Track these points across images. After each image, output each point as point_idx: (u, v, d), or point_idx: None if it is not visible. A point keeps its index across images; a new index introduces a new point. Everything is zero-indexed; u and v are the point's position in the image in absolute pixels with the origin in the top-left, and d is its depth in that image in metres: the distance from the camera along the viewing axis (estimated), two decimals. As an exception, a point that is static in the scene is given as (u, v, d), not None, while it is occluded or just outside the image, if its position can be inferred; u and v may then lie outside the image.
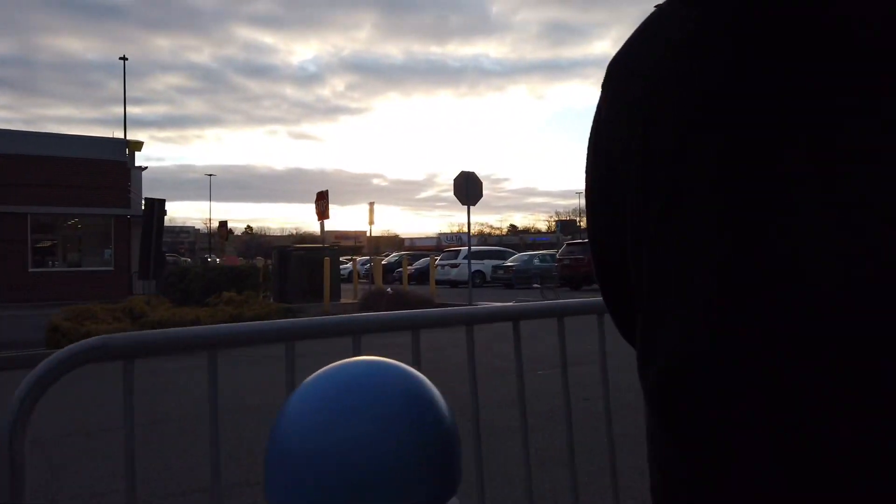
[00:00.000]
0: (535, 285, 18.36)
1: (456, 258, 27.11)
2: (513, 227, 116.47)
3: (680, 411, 0.56)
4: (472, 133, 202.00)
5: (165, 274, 13.99)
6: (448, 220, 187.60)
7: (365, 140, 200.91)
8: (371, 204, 17.50)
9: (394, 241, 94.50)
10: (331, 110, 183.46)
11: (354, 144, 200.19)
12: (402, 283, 17.71)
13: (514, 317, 2.09)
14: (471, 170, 15.26)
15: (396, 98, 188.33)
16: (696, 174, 0.55)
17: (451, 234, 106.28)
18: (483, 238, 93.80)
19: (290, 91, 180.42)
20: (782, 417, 0.50)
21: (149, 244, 9.87)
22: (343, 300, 15.90)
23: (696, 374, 0.54)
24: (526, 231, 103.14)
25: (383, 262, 36.07)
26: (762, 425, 0.51)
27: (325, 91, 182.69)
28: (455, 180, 15.16)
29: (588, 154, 0.71)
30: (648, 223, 0.59)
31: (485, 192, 14.85)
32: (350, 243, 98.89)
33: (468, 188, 15.06)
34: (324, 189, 17.10)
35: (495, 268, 25.43)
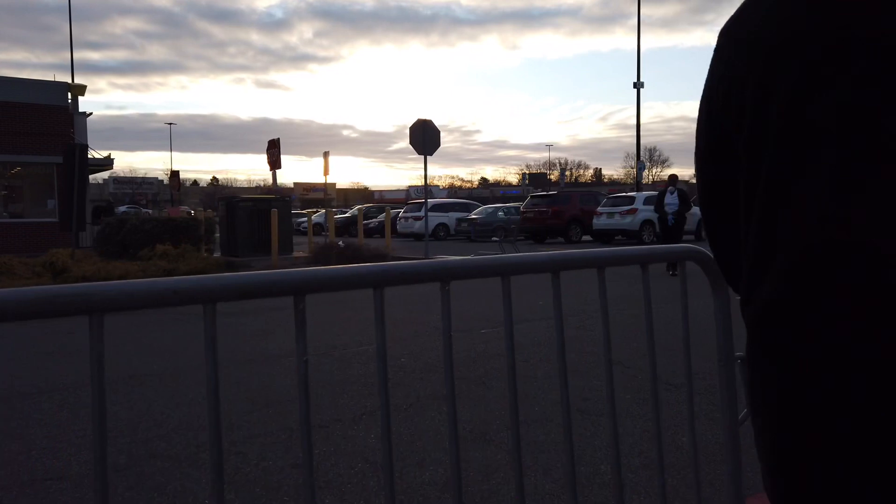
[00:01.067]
0: (494, 239, 17.88)
1: (419, 211, 26.47)
2: (484, 179, 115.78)
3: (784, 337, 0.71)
4: (443, 84, 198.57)
5: (100, 225, 13.16)
6: (419, 172, 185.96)
7: (334, 90, 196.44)
8: (326, 154, 16.73)
9: (363, 194, 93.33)
10: (299, 58, 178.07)
11: (323, 94, 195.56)
12: (357, 237, 17.09)
13: (442, 277, 1.56)
14: (429, 118, 14.56)
15: (366, 47, 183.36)
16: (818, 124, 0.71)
17: (422, 186, 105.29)
18: (453, 191, 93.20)
19: (256, 37, 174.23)
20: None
21: (70, 193, 9.09)
22: (297, 253, 15.28)
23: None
24: (497, 184, 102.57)
25: (347, 215, 35.47)
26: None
27: (292, 38, 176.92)
28: (411, 129, 14.45)
29: (702, 107, 0.87)
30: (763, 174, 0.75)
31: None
32: (319, 195, 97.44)
33: (425, 137, 14.38)
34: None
35: (459, 220, 24.91)
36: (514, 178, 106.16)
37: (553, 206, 21.91)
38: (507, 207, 25.88)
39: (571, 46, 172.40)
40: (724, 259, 0.92)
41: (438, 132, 14.64)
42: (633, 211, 20.01)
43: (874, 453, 0.62)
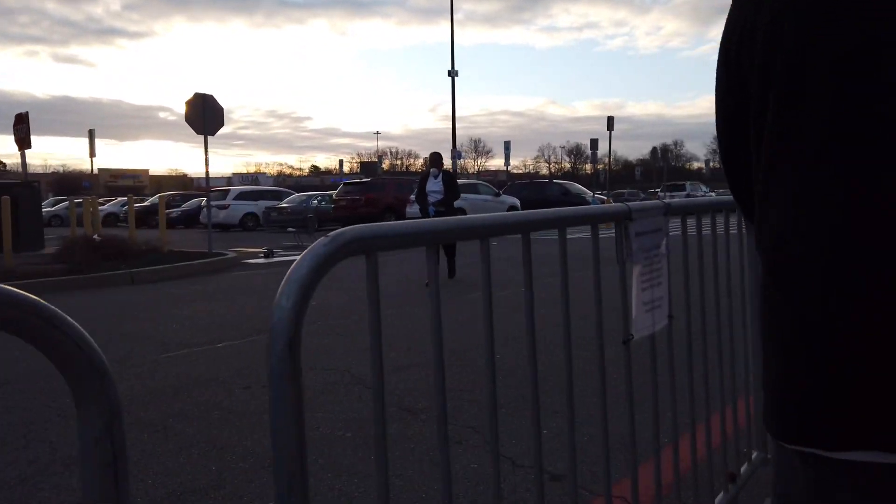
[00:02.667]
0: (290, 229, 16.45)
1: (225, 199, 24.28)
2: (315, 167, 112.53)
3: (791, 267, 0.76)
4: (270, 68, 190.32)
5: None
6: (246, 158, 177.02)
7: (148, 69, 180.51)
8: (91, 132, 14.31)
9: (181, 181, 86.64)
10: (105, 32, 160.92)
11: (136, 73, 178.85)
12: (158, 228, 14.85)
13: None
14: (211, 93, 12.83)
15: (183, 23, 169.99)
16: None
17: (247, 174, 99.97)
18: (282, 179, 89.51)
19: (52, 6, 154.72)
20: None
21: None
22: (48, 249, 12.84)
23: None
24: (328, 172, 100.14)
25: (146, 204, 32.07)
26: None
27: (96, 9, 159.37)
28: (188, 104, 12.63)
29: (720, 54, 0.88)
30: (769, 110, 0.78)
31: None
32: (129, 182, 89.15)
33: (205, 114, 12.66)
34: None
35: (268, 209, 23.04)
36: (346, 167, 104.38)
37: (367, 194, 20.97)
38: (321, 195, 24.49)
39: (401, 36, 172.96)
40: (738, 191, 0.96)
41: (222, 109, 12.96)
42: (446, 199, 19.62)
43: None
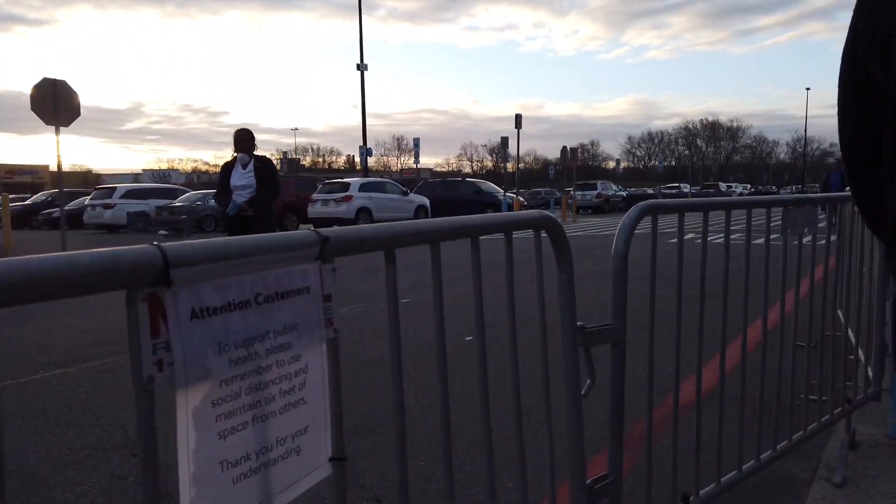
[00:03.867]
0: (162, 232, 14.94)
1: (111, 196, 22.29)
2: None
3: None
4: (184, 60, 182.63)
5: None
6: (158, 154, 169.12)
7: (51, 59, 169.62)
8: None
9: (86, 178, 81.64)
10: (2, 19, 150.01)
11: (37, 63, 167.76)
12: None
13: None
14: (62, 78, 11.29)
15: (88, 10, 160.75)
16: None
17: (160, 170, 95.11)
18: (195, 176, 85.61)
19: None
20: None
21: None
22: None
23: None
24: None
25: (27, 203, 29.47)
26: None
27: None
28: (35, 89, 11.06)
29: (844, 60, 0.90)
30: None
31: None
32: (27, 179, 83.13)
33: (56, 102, 11.12)
34: None
35: (160, 209, 21.18)
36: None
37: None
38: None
39: (322, 31, 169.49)
40: (867, 204, 0.91)
41: (76, 95, 11.44)
42: (349, 198, 18.52)
43: None
